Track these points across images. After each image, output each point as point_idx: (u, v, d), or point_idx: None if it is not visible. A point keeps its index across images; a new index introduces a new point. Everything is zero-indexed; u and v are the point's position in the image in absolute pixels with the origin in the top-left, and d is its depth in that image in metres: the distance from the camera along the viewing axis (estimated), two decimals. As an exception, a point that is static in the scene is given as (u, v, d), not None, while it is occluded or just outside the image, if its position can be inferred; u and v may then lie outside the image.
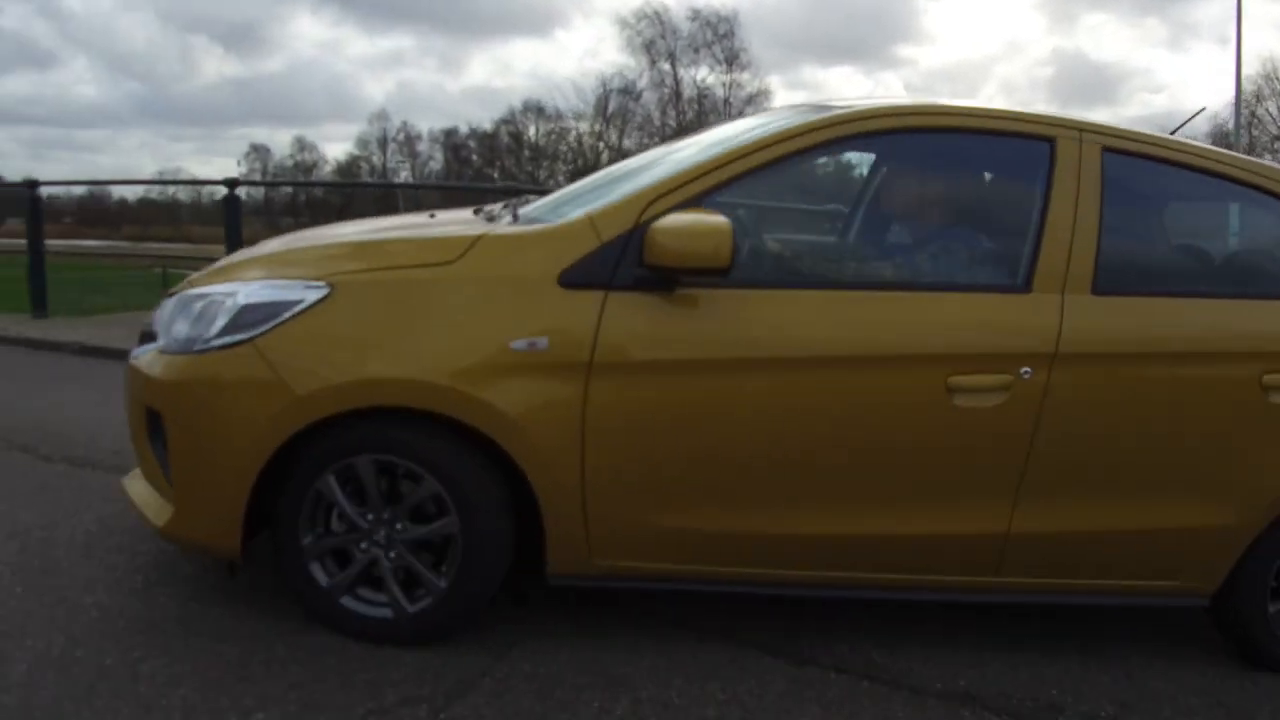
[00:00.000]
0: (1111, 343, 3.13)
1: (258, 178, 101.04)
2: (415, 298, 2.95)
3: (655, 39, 48.19)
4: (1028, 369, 3.03)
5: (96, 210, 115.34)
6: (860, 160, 4.10)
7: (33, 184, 10.25)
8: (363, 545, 3.00)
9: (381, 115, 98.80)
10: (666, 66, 47.38)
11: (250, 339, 2.91)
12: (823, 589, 3.26)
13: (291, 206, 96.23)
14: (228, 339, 2.94)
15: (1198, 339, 3.19)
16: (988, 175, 3.69)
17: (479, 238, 3.03)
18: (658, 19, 48.01)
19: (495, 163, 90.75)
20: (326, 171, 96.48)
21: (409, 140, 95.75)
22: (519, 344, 2.88)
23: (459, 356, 2.90)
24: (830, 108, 3.28)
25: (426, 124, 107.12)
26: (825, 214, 4.18)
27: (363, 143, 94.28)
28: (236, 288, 3.05)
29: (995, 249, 3.48)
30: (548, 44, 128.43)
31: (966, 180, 3.71)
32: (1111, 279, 3.19)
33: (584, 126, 70.67)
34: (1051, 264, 3.14)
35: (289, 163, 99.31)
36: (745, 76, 44.94)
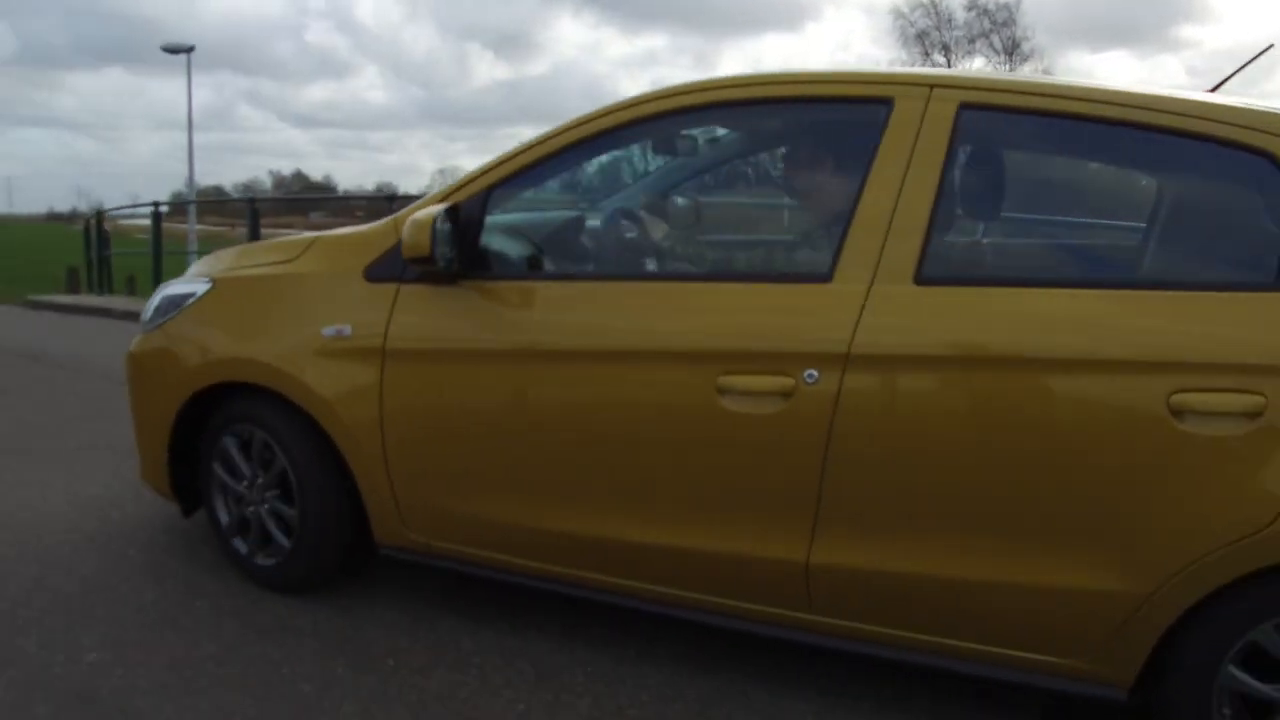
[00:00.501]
0: (929, 345, 2.58)
1: None
2: (262, 291, 3.52)
3: (929, 29, 47.48)
4: (813, 372, 2.62)
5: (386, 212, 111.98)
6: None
7: (250, 200, 16.90)
8: (244, 500, 3.66)
9: None
10: (940, 58, 46.56)
11: (162, 323, 3.76)
12: (626, 599, 3.06)
13: None
14: (154, 322, 3.81)
15: (1066, 344, 2.46)
16: (810, 149, 3.28)
17: (315, 239, 3.55)
18: (933, 9, 47.20)
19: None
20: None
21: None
22: (329, 331, 3.25)
23: (285, 341, 3.35)
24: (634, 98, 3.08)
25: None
26: (611, 204, 3.72)
27: None
28: (169, 282, 4.00)
29: (808, 233, 3.25)
30: (799, 38, 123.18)
31: (782, 157, 3.49)
32: (945, 265, 2.73)
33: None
34: (860, 248, 2.67)
35: None
36: (1027, 68, 44.26)
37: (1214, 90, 2.92)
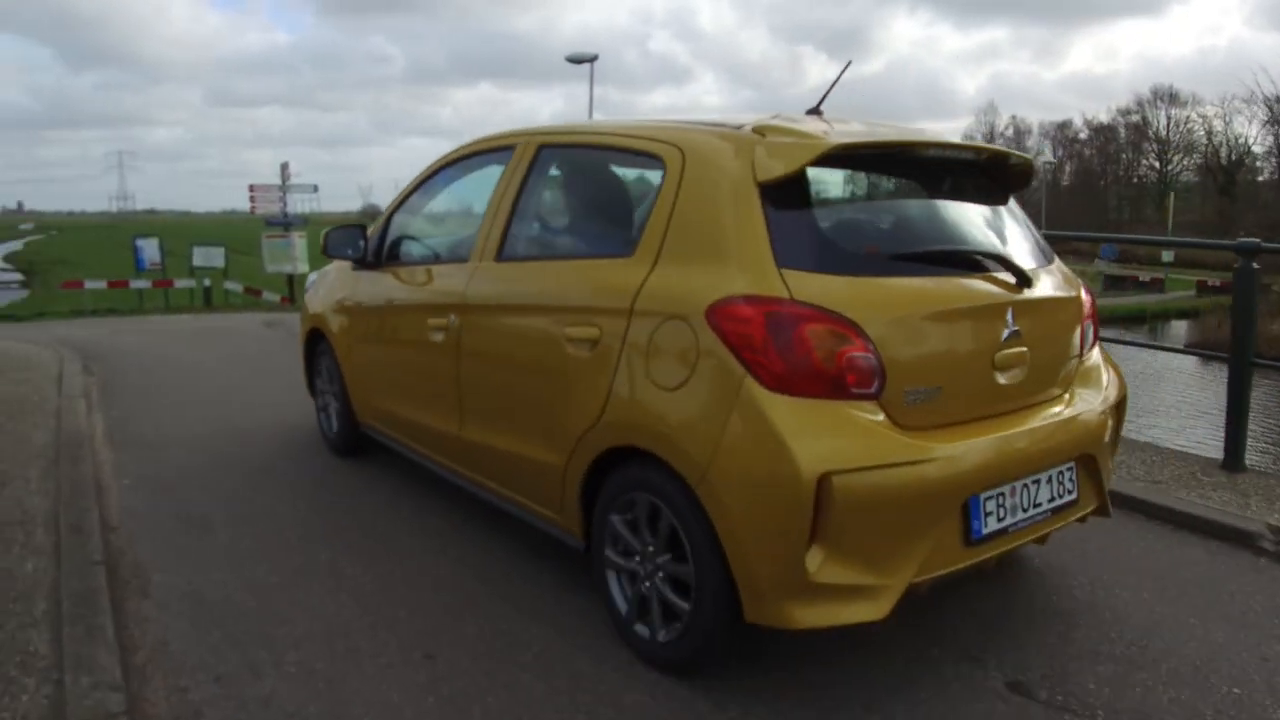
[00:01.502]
0: (486, 298, 4.24)
1: None
2: (322, 279, 6.25)
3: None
4: (454, 316, 4.41)
5: None
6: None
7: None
8: (323, 393, 6.49)
9: (989, 109, 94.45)
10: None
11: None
12: (465, 483, 4.65)
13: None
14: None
15: (533, 295, 3.96)
16: (478, 178, 4.89)
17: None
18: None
19: (1118, 156, 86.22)
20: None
21: (1018, 134, 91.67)
22: (340, 295, 5.80)
23: (326, 303, 5.94)
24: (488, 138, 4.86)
25: (1035, 116, 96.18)
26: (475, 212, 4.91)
27: (968, 138, 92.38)
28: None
29: (464, 231, 4.81)
30: (1159, 22, 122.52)
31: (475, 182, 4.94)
32: (509, 249, 4.27)
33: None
34: (482, 240, 4.37)
35: None
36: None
37: (814, 110, 4.04)
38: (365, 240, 5.36)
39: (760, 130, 3.31)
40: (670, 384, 3.17)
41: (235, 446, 6.63)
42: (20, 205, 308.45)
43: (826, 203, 3.43)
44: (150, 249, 25.53)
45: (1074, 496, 3.58)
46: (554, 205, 4.37)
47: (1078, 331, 3.77)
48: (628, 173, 4.13)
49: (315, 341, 6.18)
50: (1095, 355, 3.97)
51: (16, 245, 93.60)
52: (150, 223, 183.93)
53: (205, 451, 6.52)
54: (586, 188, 4.28)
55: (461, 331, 4.32)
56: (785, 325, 2.93)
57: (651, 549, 3.40)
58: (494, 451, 4.19)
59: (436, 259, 4.99)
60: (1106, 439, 3.73)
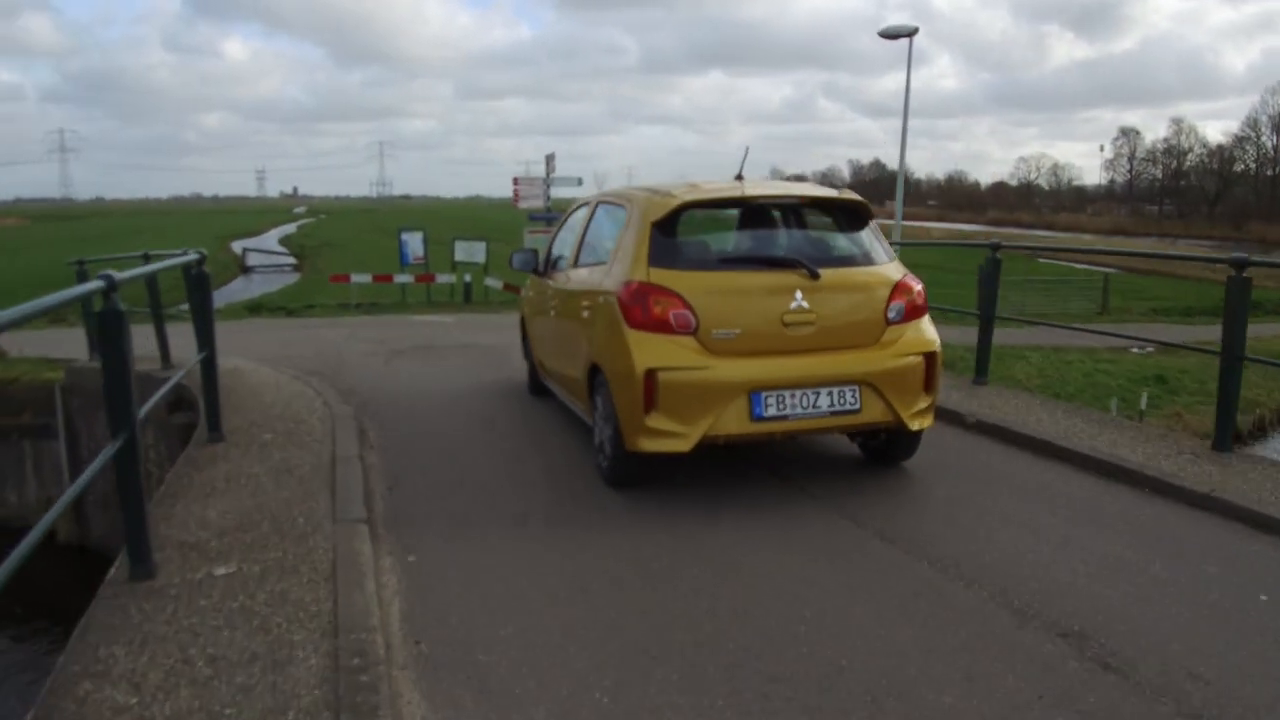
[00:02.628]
0: (566, 288, 6.99)
1: (1124, 162, 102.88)
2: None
3: None
4: (556, 300, 7.32)
5: (962, 192, 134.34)
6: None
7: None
8: None
9: (1277, 90, 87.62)
10: None
11: None
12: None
13: (1153, 192, 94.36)
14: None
15: (576, 285, 6.73)
16: (604, 222, 6.90)
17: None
18: None
19: None
20: (1195, 155, 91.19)
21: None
22: (527, 293, 9.06)
23: (522, 298, 9.67)
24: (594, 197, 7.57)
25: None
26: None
27: (1251, 122, 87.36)
28: None
29: (569, 252, 7.41)
30: None
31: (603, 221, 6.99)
32: (581, 260, 6.95)
33: None
34: (573, 255, 7.17)
35: (1160, 146, 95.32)
36: None
37: (737, 177, 6.45)
38: (537, 258, 8.29)
39: (659, 192, 6.06)
40: (603, 330, 5.91)
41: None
42: (295, 190, 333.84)
43: (684, 230, 5.95)
44: (414, 243, 24.79)
45: (856, 408, 5.66)
46: (594, 234, 6.98)
47: (876, 309, 5.81)
48: (625, 214, 6.33)
49: (521, 328, 9.38)
50: (913, 325, 5.93)
51: (290, 228, 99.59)
52: (405, 208, 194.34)
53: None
54: (604, 225, 6.78)
55: (558, 306, 7.21)
56: (640, 294, 5.57)
57: (599, 415, 6.11)
58: (566, 375, 7.11)
59: (558, 268, 7.65)
60: (892, 378, 5.70)
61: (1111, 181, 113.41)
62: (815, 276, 5.60)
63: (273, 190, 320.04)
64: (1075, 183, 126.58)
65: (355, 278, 24.59)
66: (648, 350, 5.43)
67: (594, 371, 6.10)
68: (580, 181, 24.38)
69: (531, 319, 8.59)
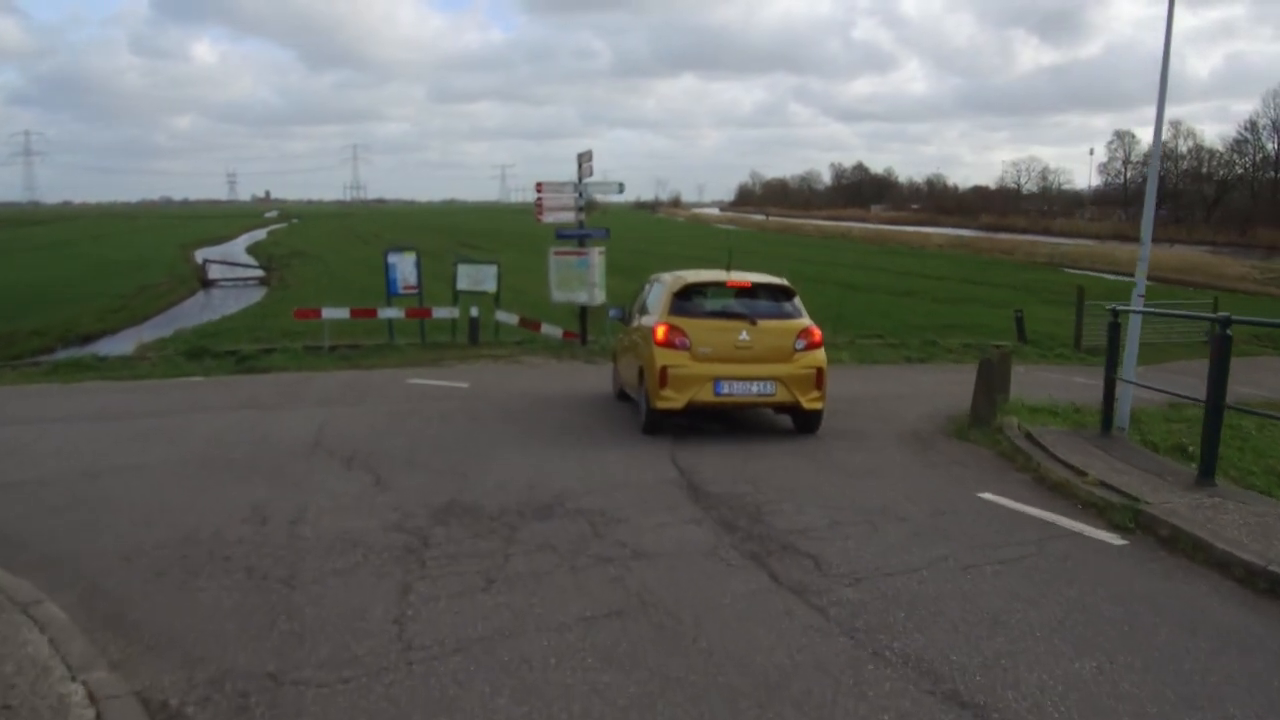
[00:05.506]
0: (633, 332, 11.16)
1: (1118, 165, 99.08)
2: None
3: None
4: (631, 337, 11.40)
5: (947, 196, 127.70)
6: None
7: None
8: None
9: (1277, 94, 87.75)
10: None
11: None
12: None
13: (1139, 196, 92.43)
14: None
15: (637, 331, 10.86)
16: (655, 290, 10.98)
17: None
18: None
19: None
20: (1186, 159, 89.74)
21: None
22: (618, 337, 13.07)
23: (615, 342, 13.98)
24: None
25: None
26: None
27: (1250, 125, 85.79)
28: None
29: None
30: None
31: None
32: (646, 311, 10.95)
33: None
34: (637, 311, 11.32)
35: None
36: None
37: (726, 268, 10.97)
38: (621, 313, 12.06)
39: (678, 277, 10.35)
40: (645, 347, 9.83)
41: None
42: (268, 194, 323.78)
43: (692, 295, 9.91)
44: (405, 267, 18.74)
45: (772, 393, 9.48)
46: (650, 297, 10.77)
47: (788, 342, 9.64)
48: (662, 288, 10.45)
49: (614, 359, 12.77)
50: (811, 352, 9.69)
51: (260, 234, 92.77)
52: (380, 211, 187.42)
53: None
54: (654, 291, 10.73)
55: (630, 340, 11.05)
56: (664, 327, 9.59)
57: (642, 393, 9.89)
58: (629, 377, 10.88)
59: (632, 319, 11.34)
60: (796, 379, 9.52)
61: (1105, 184, 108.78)
62: (754, 323, 9.59)
63: (245, 194, 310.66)
64: (1067, 186, 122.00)
65: (328, 312, 18.59)
66: (664, 356, 9.44)
67: (641, 372, 10.05)
68: (622, 188, 18.60)
69: (618, 352, 12.31)
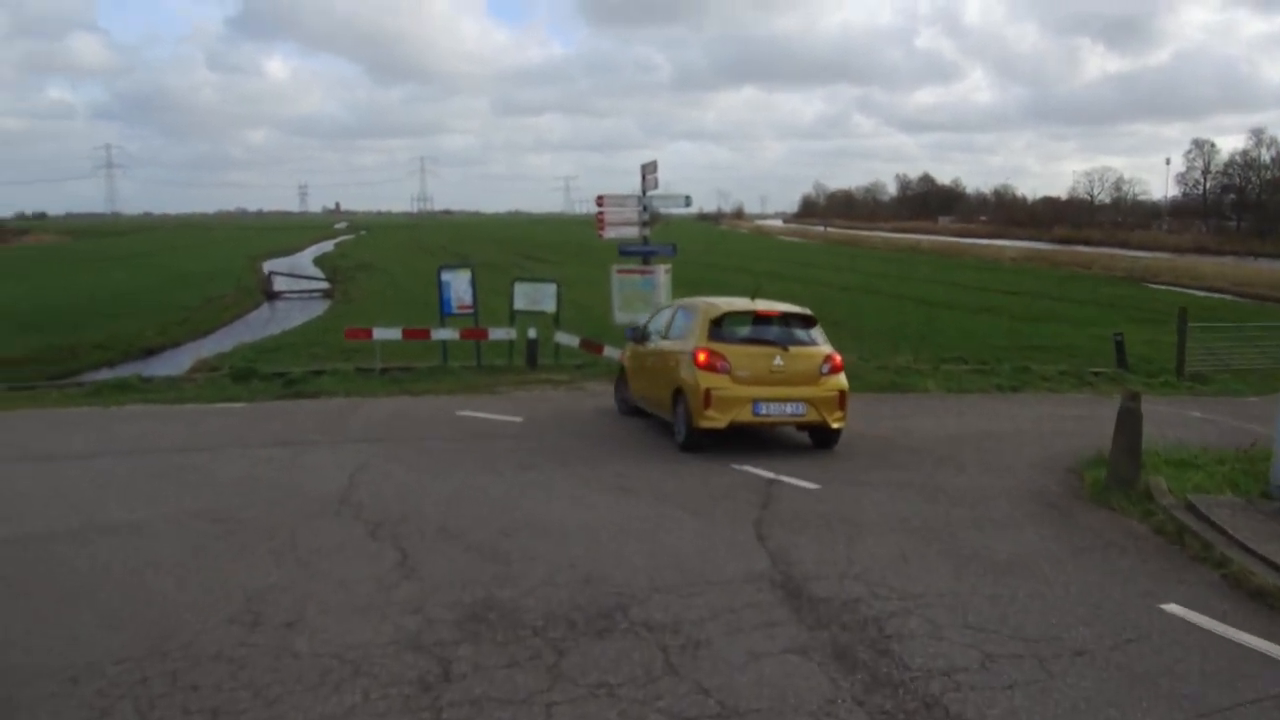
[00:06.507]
0: (662, 349, 11.42)
1: (1197, 175, 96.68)
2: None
3: None
4: (653, 356, 11.66)
5: (1017, 208, 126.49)
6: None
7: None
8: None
9: None
10: None
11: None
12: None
13: (1228, 206, 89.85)
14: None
15: (667, 349, 11.26)
16: (683, 316, 11.51)
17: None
18: None
19: None
20: (1270, 168, 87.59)
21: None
22: (628, 351, 12.82)
23: (622, 357, 13.43)
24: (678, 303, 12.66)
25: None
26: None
27: None
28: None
29: (660, 330, 11.96)
30: None
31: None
32: (670, 335, 11.55)
33: None
34: (664, 331, 11.79)
35: (1238, 159, 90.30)
36: None
37: (752, 297, 11.20)
38: (635, 333, 12.45)
39: (713, 305, 10.85)
40: (685, 370, 10.25)
41: None
42: (338, 205, 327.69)
43: (728, 323, 10.49)
44: (460, 285, 17.45)
45: (803, 413, 10.11)
46: (678, 323, 11.27)
47: (816, 366, 10.22)
48: (694, 314, 10.85)
49: (620, 372, 12.88)
50: (835, 376, 10.30)
51: (328, 246, 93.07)
52: (446, 223, 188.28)
53: None
54: (682, 318, 11.22)
55: (655, 360, 11.41)
56: (704, 353, 10.10)
57: (679, 412, 10.36)
58: (657, 396, 11.10)
59: (650, 340, 11.82)
60: (824, 400, 10.10)
61: (1184, 195, 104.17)
62: (787, 349, 10.18)
63: (315, 205, 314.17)
64: (1143, 197, 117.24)
65: (379, 333, 17.38)
66: (706, 379, 9.91)
67: (677, 392, 10.39)
68: (688, 200, 17.08)
69: (631, 369, 12.39)
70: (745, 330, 10.46)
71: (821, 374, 10.14)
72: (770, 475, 9.04)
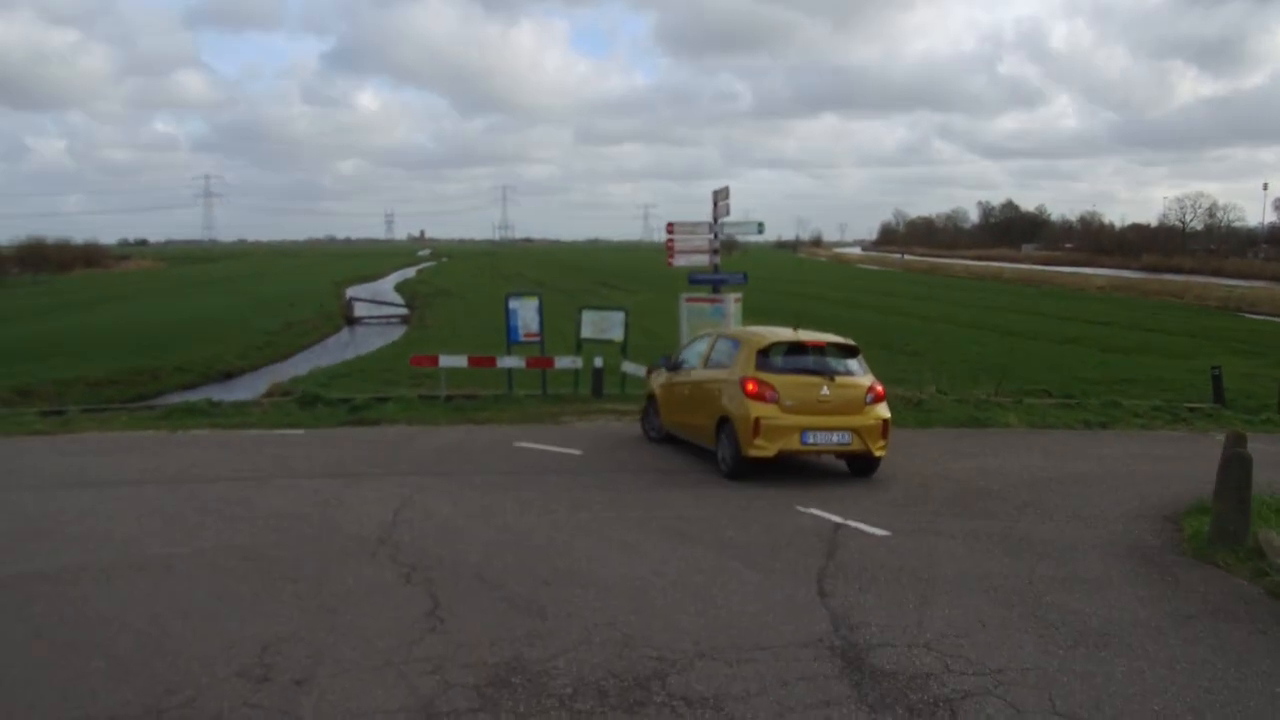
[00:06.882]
0: (703, 378, 11.46)
1: None
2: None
3: None
4: (690, 385, 11.87)
5: (1104, 235, 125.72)
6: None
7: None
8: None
9: None
10: None
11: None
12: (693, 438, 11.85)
13: None
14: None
15: (709, 377, 11.36)
16: (725, 346, 11.51)
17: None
18: None
19: None
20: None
21: None
22: (660, 380, 12.85)
23: (653, 384, 13.09)
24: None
25: None
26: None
27: None
28: None
29: (696, 360, 12.10)
30: None
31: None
32: (711, 364, 11.61)
33: None
34: (702, 362, 11.85)
35: None
36: None
37: (794, 328, 11.31)
38: (668, 362, 12.70)
39: (759, 335, 11.06)
40: (731, 398, 10.38)
41: None
42: (422, 233, 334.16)
43: (774, 353, 10.58)
44: (527, 313, 17.18)
45: (849, 443, 10.18)
46: (718, 352, 11.27)
47: (861, 395, 10.29)
48: (738, 344, 10.96)
49: (648, 400, 12.98)
50: (879, 405, 10.40)
51: (410, 272, 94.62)
52: (526, 250, 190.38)
53: None
54: (725, 347, 11.21)
55: (693, 388, 11.51)
56: (753, 382, 10.19)
57: (724, 441, 10.48)
58: (697, 424, 11.26)
59: (684, 368, 12.05)
60: (868, 429, 10.17)
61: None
62: (833, 379, 10.31)
63: (401, 233, 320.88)
64: (1238, 223, 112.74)
65: (445, 360, 17.17)
66: (756, 408, 10.00)
67: (723, 421, 10.48)
68: (762, 227, 16.53)
69: (665, 397, 12.39)
70: (791, 360, 10.56)
71: (866, 403, 10.26)
72: (838, 519, 8.38)
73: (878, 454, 10.32)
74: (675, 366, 12.30)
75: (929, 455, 11.96)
